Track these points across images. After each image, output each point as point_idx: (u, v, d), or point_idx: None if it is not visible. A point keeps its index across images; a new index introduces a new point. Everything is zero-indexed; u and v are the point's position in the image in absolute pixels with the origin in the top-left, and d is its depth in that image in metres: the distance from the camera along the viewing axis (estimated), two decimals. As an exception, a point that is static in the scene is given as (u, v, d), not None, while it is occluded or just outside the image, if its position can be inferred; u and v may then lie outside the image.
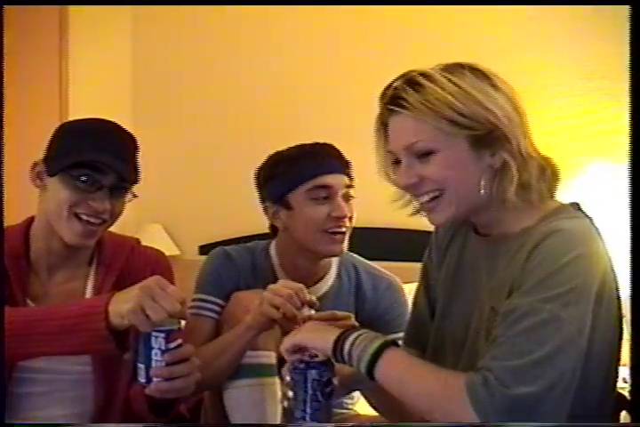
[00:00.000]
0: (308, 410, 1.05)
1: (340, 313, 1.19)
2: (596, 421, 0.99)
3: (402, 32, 3.03)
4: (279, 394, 1.37)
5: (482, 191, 1.01)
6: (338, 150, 1.49)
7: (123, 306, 1.00)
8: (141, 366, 1.02)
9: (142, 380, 1.02)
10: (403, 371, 0.97)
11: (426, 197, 1.03)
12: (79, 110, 2.89)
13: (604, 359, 0.99)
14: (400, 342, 1.24)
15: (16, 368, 1.20)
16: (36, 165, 1.25)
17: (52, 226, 1.23)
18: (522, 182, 1.00)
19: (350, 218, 1.46)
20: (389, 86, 1.05)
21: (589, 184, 2.51)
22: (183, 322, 1.48)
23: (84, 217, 1.21)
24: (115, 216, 1.26)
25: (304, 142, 1.51)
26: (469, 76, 1.01)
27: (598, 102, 2.78)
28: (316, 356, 1.05)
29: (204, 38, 3.45)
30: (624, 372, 1.04)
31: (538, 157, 1.03)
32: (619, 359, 1.02)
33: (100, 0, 3.05)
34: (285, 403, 1.10)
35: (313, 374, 1.05)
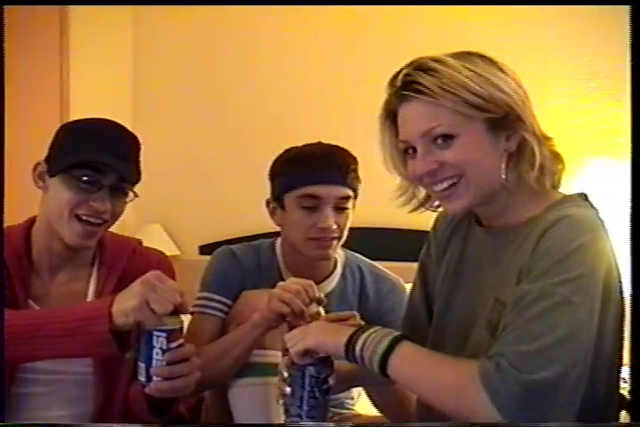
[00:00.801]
0: (305, 407, 1.05)
1: (344, 314, 1.19)
2: (599, 420, 0.99)
3: (402, 32, 3.04)
4: None
5: (502, 176, 1.01)
6: (341, 158, 1.45)
7: (127, 304, 1.01)
8: (142, 365, 1.02)
9: (143, 379, 1.02)
10: (415, 365, 0.97)
11: (445, 184, 1.01)
12: (79, 110, 2.89)
13: (611, 356, 0.99)
14: None
15: (17, 369, 1.20)
16: (37, 165, 1.25)
17: (52, 226, 1.23)
18: (540, 164, 1.01)
19: (341, 227, 1.44)
20: (399, 73, 1.03)
21: (590, 184, 2.51)
22: (186, 322, 1.49)
23: (85, 217, 1.21)
24: (115, 216, 1.26)
25: (307, 141, 1.51)
26: (479, 61, 1.02)
27: (599, 102, 2.78)
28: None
29: (205, 38, 3.45)
30: (624, 372, 1.04)
31: (548, 141, 1.04)
32: (621, 358, 1.02)
33: (101, 0, 3.05)
34: (281, 400, 1.10)
35: (311, 370, 1.05)
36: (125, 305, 1.01)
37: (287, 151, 1.49)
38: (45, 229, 1.26)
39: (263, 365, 1.37)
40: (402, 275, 1.60)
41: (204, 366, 1.36)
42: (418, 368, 0.96)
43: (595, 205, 1.03)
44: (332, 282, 1.53)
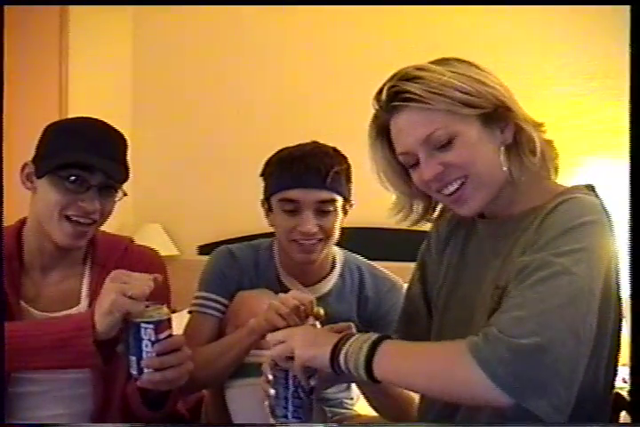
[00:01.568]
0: (290, 408, 1.05)
1: (338, 326, 1.16)
2: (595, 420, 0.98)
3: (401, 32, 3.03)
4: None
5: (504, 168, 1.01)
6: (322, 161, 1.41)
7: (104, 305, 1.02)
8: (133, 358, 1.03)
9: (134, 372, 1.03)
10: (400, 359, 0.95)
11: (452, 187, 1.01)
12: (79, 110, 2.88)
13: (610, 354, 0.98)
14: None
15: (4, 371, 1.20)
16: (25, 166, 1.25)
17: (43, 227, 1.23)
18: (541, 149, 1.02)
19: (326, 229, 1.43)
20: (383, 87, 1.04)
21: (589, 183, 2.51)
22: (184, 321, 1.49)
23: (74, 218, 1.21)
24: (105, 216, 1.26)
25: (305, 141, 1.50)
26: (457, 64, 1.03)
27: (599, 102, 2.78)
28: None
29: (205, 38, 3.45)
30: (624, 372, 1.04)
31: (541, 127, 1.06)
32: (617, 358, 1.02)
33: (100, 0, 3.05)
34: (266, 402, 1.09)
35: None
36: (104, 307, 1.02)
37: (276, 153, 1.49)
38: (36, 230, 1.25)
39: (259, 365, 1.36)
40: (401, 275, 1.60)
41: (199, 368, 1.36)
42: (404, 362, 0.95)
43: (600, 196, 1.03)
44: (330, 282, 1.53)
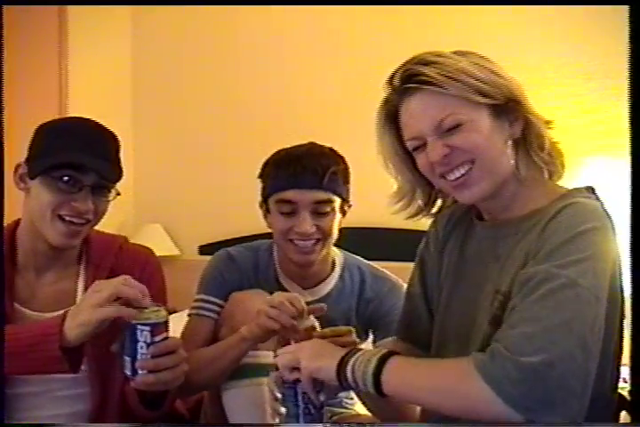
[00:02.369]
0: (302, 424, 1.04)
1: (339, 329, 1.17)
2: (602, 420, 0.98)
3: (401, 32, 3.03)
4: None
5: (511, 162, 1.01)
6: (318, 161, 1.40)
7: (79, 317, 1.02)
8: (127, 358, 1.03)
9: (128, 372, 1.03)
10: (408, 376, 0.95)
11: (458, 172, 1.01)
12: (79, 110, 2.89)
13: (614, 356, 0.98)
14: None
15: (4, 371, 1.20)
16: (18, 167, 1.25)
17: (36, 227, 1.23)
18: (549, 144, 1.02)
19: (324, 229, 1.42)
20: (397, 71, 1.03)
21: (589, 184, 2.50)
22: (182, 323, 1.49)
23: (68, 218, 1.21)
24: (99, 215, 1.25)
25: (305, 142, 1.50)
26: (472, 55, 1.04)
27: (599, 102, 2.78)
28: None
29: (204, 38, 3.45)
30: (624, 372, 1.04)
31: (549, 124, 1.06)
32: (621, 357, 1.02)
33: (100, 0, 3.05)
34: (277, 419, 1.09)
35: (303, 387, 1.03)
36: (78, 319, 1.02)
37: (273, 154, 1.49)
38: (29, 231, 1.25)
39: (255, 366, 1.37)
40: (400, 275, 1.59)
41: (194, 372, 1.36)
42: (413, 379, 0.94)
43: (601, 198, 1.03)
44: (329, 284, 1.53)
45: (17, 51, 2.40)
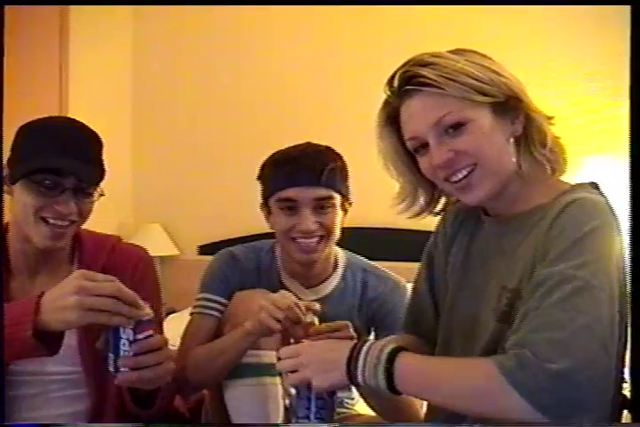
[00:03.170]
0: (313, 409, 1.03)
1: (336, 324, 1.16)
2: (609, 420, 0.98)
3: (401, 32, 3.04)
4: (280, 394, 1.37)
5: (513, 159, 1.01)
6: (315, 159, 1.41)
7: (82, 315, 0.97)
8: (111, 355, 1.02)
9: (111, 369, 1.02)
10: (423, 376, 0.94)
11: (464, 172, 1.01)
12: (79, 110, 2.89)
13: (619, 355, 0.97)
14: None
15: (4, 371, 1.20)
16: (1, 169, 1.23)
17: (23, 229, 1.22)
18: (551, 140, 1.02)
19: (327, 226, 1.43)
20: (396, 72, 1.03)
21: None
22: (184, 321, 1.49)
23: (51, 220, 1.20)
24: (84, 216, 1.24)
25: (302, 142, 1.51)
26: (471, 54, 1.04)
27: (599, 102, 2.78)
28: None
29: (205, 37, 3.46)
30: (624, 372, 1.04)
31: (550, 120, 1.06)
32: (625, 356, 1.01)
33: (102, 0, 3.05)
34: (287, 401, 1.08)
35: None
36: (68, 317, 0.97)
37: (271, 155, 1.49)
38: (17, 233, 1.25)
39: (258, 365, 1.37)
40: (404, 275, 1.60)
41: (195, 369, 1.37)
42: (428, 379, 0.93)
43: (605, 193, 1.03)
44: (331, 284, 1.53)
45: (18, 51, 2.41)
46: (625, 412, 1.06)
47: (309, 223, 1.41)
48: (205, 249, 3.37)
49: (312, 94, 3.23)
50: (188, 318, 1.52)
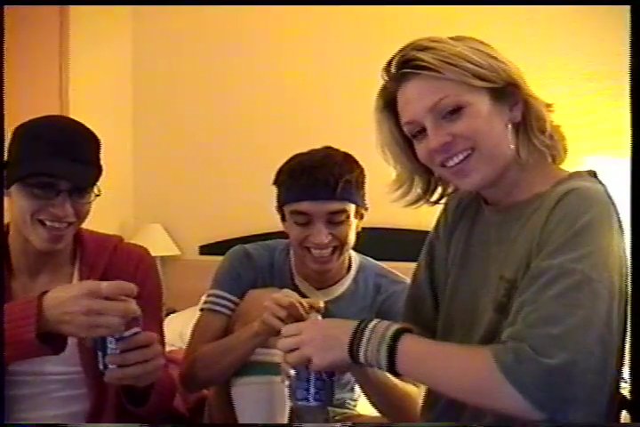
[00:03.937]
0: (312, 389, 1.02)
1: (309, 300, 1.22)
2: (606, 418, 0.97)
3: (401, 32, 3.02)
4: (287, 394, 1.37)
5: (511, 146, 1.01)
6: (331, 171, 1.38)
7: (88, 329, 0.98)
8: (99, 353, 1.03)
9: (100, 366, 1.03)
10: (424, 359, 0.94)
11: (460, 157, 1.00)
12: (79, 110, 2.89)
13: (617, 353, 0.97)
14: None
15: (4, 371, 1.20)
16: None
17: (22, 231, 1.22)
18: (550, 127, 1.02)
19: (340, 237, 1.43)
20: (394, 57, 1.03)
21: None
22: (185, 319, 1.49)
23: (49, 223, 1.19)
24: (81, 217, 1.24)
25: (303, 142, 1.50)
26: (470, 40, 1.04)
27: (599, 102, 2.78)
28: None
29: (205, 38, 3.46)
30: (624, 372, 1.03)
31: (549, 107, 1.05)
32: (623, 355, 1.01)
33: (102, 0, 3.05)
34: (287, 382, 1.08)
35: None
36: (74, 329, 0.98)
37: (288, 161, 1.47)
38: (17, 234, 1.25)
39: (266, 364, 1.37)
40: (408, 275, 1.60)
41: (203, 365, 1.37)
42: (428, 362, 0.94)
43: (603, 182, 1.03)
44: (343, 286, 1.54)
45: (18, 51, 2.41)
46: (624, 412, 1.07)
47: (322, 236, 1.41)
48: (206, 249, 3.37)
49: (312, 94, 3.23)
50: (188, 317, 1.52)
